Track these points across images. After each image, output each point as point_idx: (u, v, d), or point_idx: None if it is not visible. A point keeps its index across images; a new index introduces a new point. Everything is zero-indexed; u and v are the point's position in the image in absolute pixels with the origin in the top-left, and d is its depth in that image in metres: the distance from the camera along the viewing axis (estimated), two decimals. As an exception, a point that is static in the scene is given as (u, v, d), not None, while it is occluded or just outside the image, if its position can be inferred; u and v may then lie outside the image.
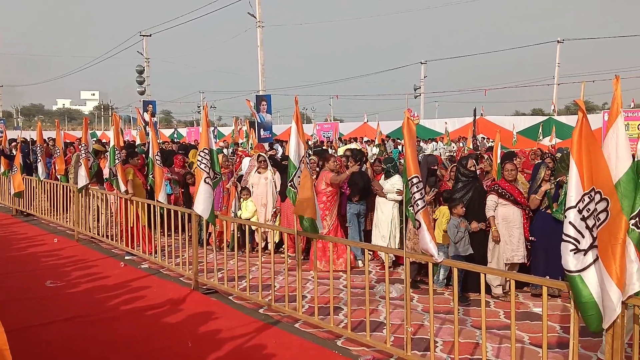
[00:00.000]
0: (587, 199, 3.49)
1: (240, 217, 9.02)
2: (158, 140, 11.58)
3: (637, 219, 3.36)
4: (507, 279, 6.53)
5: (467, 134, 26.55)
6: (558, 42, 34.84)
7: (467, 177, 7.16)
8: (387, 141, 24.83)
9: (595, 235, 3.50)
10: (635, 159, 3.51)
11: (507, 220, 6.91)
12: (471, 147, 20.39)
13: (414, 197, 4.67)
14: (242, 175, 10.16)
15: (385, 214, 8.11)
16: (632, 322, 3.68)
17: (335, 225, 8.33)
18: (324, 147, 20.52)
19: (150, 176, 9.12)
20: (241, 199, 9.37)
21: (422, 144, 25.94)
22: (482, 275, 4.52)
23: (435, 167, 7.54)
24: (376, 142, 23.25)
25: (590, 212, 3.49)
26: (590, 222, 3.50)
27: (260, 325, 5.97)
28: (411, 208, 4.70)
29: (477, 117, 30.31)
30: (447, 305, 6.58)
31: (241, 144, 19.06)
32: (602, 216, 3.44)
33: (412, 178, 4.69)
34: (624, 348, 3.60)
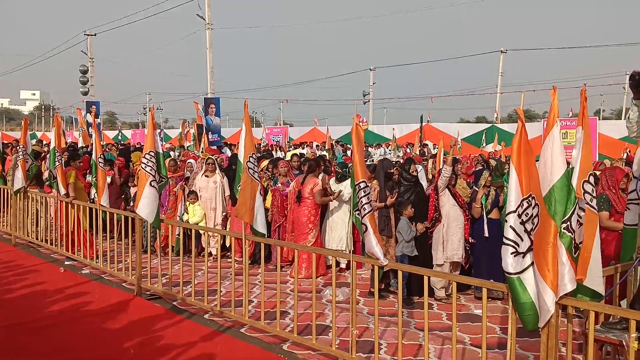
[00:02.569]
0: (525, 204, 3.63)
1: (187, 221, 8.89)
2: (102, 143, 11.28)
3: (568, 223, 3.53)
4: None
5: (414, 140, 27.03)
6: (501, 52, 36.00)
7: (409, 181, 7.31)
8: (336, 146, 25.01)
9: (532, 239, 3.65)
10: (570, 166, 3.69)
11: (450, 219, 7.10)
12: (418, 153, 20.80)
13: (361, 202, 4.74)
14: (187, 178, 10.02)
15: (340, 216, 8.17)
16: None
17: (317, 234, 8.36)
18: (272, 152, 20.50)
19: (93, 179, 8.87)
20: (187, 203, 9.23)
21: (370, 149, 26.26)
22: (425, 278, 4.61)
23: (392, 171, 7.68)
24: (326, 147, 23.38)
25: (528, 216, 3.64)
26: (529, 226, 3.64)
27: (205, 331, 5.90)
28: (357, 212, 4.76)
29: (423, 124, 30.99)
30: (392, 308, 6.68)
31: (188, 146, 18.79)
32: (536, 221, 3.60)
33: (360, 183, 4.75)
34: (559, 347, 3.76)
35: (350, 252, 5.17)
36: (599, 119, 26.12)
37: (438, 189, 7.13)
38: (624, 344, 3.47)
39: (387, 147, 27.96)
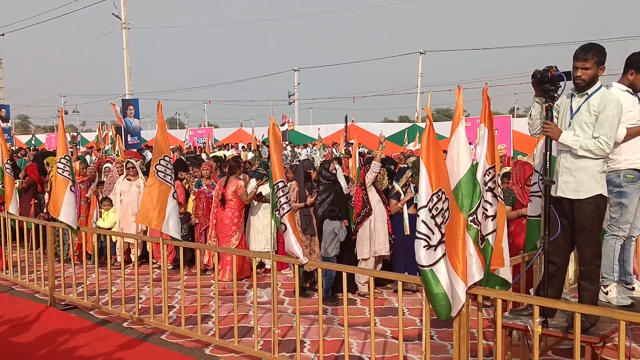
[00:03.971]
0: (435, 199, 3.77)
1: (100, 227, 8.57)
2: (12, 147, 10.65)
3: (475, 215, 3.70)
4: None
5: (339, 139, 27.37)
6: (420, 53, 37.11)
7: (329, 179, 7.39)
8: (262, 147, 24.91)
9: (443, 232, 3.79)
10: (474, 162, 3.86)
11: (376, 215, 7.24)
12: (343, 152, 21.06)
13: (280, 201, 4.75)
14: (102, 182, 9.65)
15: (267, 218, 8.12)
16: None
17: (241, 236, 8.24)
18: (196, 154, 20.14)
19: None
20: (102, 210, 8.89)
21: (296, 149, 26.35)
22: (344, 275, 4.69)
23: (311, 171, 7.73)
24: (252, 148, 23.23)
25: (438, 210, 3.78)
26: (439, 220, 3.78)
27: (123, 339, 5.71)
28: (277, 212, 4.77)
29: (348, 124, 31.43)
30: (316, 306, 6.72)
31: (106, 150, 18.11)
32: (447, 214, 3.74)
33: (278, 182, 4.76)
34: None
35: (272, 253, 5.15)
36: (513, 117, 27.38)
37: (366, 184, 7.24)
38: (530, 328, 3.66)
39: (313, 147, 28.17)
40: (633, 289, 4.39)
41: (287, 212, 4.74)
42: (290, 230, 4.73)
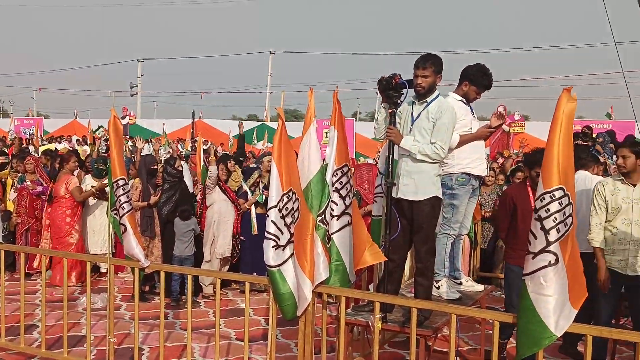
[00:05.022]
0: (285, 199, 3.76)
1: None
2: None
3: (323, 216, 3.76)
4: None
5: (185, 135, 26.57)
6: (270, 52, 37.42)
7: (174, 177, 7.10)
8: (99, 141, 23.28)
9: (292, 232, 3.79)
10: (324, 163, 3.92)
11: (221, 215, 7.08)
12: (189, 149, 20.45)
13: (120, 200, 4.42)
14: None
15: (105, 217, 7.53)
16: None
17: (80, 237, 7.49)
18: (23, 146, 18.20)
19: None
20: None
21: (138, 144, 25.05)
22: (189, 277, 4.50)
23: (155, 167, 7.33)
24: (88, 142, 21.60)
25: (288, 210, 3.77)
26: (289, 220, 3.78)
27: None
28: (115, 212, 4.43)
29: (195, 120, 30.63)
30: (157, 311, 6.40)
31: None
32: (296, 214, 3.75)
33: (118, 180, 4.43)
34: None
35: (109, 256, 4.77)
36: (356, 121, 28.74)
37: (206, 187, 7.07)
38: (370, 324, 3.80)
39: (158, 143, 26.99)
40: (461, 283, 4.77)
41: (127, 212, 4.43)
42: (131, 232, 4.43)
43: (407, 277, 5.33)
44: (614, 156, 9.71)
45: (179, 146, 25.11)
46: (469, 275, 5.89)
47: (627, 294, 4.56)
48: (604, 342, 4.45)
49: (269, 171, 4.71)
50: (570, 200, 2.98)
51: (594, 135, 11.32)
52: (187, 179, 7.45)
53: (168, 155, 12.09)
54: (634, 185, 4.35)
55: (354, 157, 18.37)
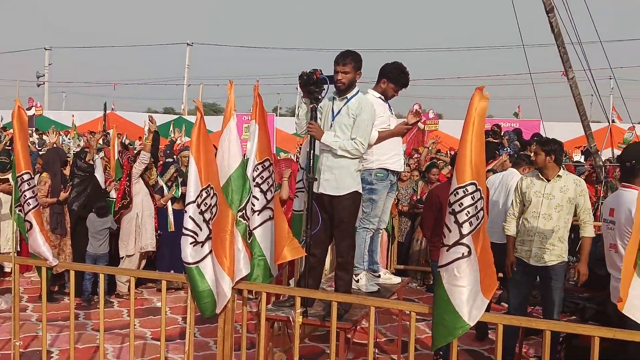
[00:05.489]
0: (204, 194, 3.68)
1: None
2: None
3: (244, 211, 3.71)
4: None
5: (96, 128, 25.43)
6: (188, 44, 36.51)
7: (84, 171, 6.78)
8: (2, 133, 21.85)
9: (211, 228, 3.72)
10: (245, 157, 3.87)
11: (144, 208, 6.85)
12: (102, 142, 19.56)
13: (25, 196, 4.15)
14: None
15: (7, 213, 7.04)
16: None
17: None
18: None
19: None
20: None
21: (45, 137, 23.69)
22: (101, 276, 4.30)
23: (67, 159, 6.96)
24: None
25: (207, 206, 3.69)
26: (207, 216, 3.70)
27: None
28: (19, 209, 4.16)
29: (107, 112, 29.36)
30: (66, 311, 6.08)
31: None
32: (215, 210, 3.68)
33: (23, 174, 4.16)
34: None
35: (14, 255, 4.48)
36: (277, 116, 28.67)
37: (132, 176, 6.79)
38: (291, 319, 3.80)
39: (67, 135, 25.70)
40: (379, 276, 4.88)
41: (33, 208, 4.18)
42: (37, 229, 4.17)
43: (327, 271, 5.39)
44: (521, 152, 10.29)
45: (86, 138, 23.99)
46: (387, 268, 6.04)
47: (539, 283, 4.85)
48: (514, 329, 4.70)
49: (187, 166, 4.60)
50: (482, 195, 3.11)
51: (502, 133, 11.92)
52: (99, 174, 7.14)
53: (78, 149, 11.53)
54: (548, 181, 4.62)
55: (274, 152, 18.34)
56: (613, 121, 20.65)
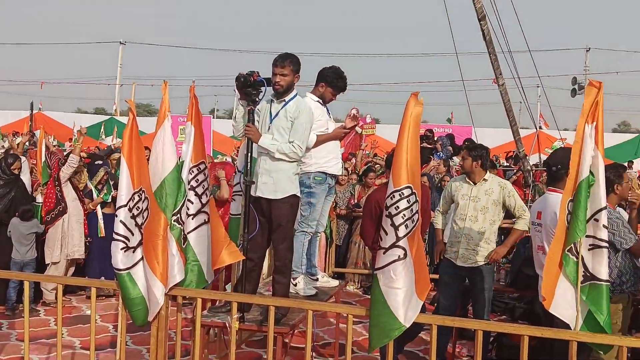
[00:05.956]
0: (137, 198, 3.58)
1: None
2: None
3: (179, 215, 3.62)
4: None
5: (22, 129, 24.27)
6: (121, 43, 35.49)
7: (9, 175, 6.43)
8: None
9: (143, 233, 3.60)
10: (180, 160, 3.77)
11: (72, 213, 6.57)
12: (28, 144, 18.68)
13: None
14: None
15: None
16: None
17: None
18: None
19: None
20: None
21: (-35, 137, 22.38)
22: (26, 283, 4.09)
23: None
24: None
25: (139, 210, 3.58)
26: (139, 220, 3.59)
27: None
28: None
29: (34, 112, 28.09)
30: (-14, 322, 5.77)
31: None
32: (146, 214, 3.57)
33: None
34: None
35: None
36: (214, 118, 28.25)
37: (60, 179, 6.49)
38: (227, 325, 3.73)
39: (-11, 136, 24.37)
40: (317, 279, 4.87)
41: None
42: None
43: (265, 275, 5.34)
44: (454, 157, 10.61)
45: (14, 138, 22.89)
46: (325, 272, 6.06)
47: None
48: (448, 330, 4.81)
49: (117, 168, 4.44)
50: (417, 199, 3.17)
51: (436, 138, 12.25)
52: (26, 177, 6.78)
53: (2, 150, 10.98)
54: (474, 184, 4.78)
55: (211, 154, 18.05)
56: (540, 128, 21.72)
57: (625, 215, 4.36)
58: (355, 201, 8.19)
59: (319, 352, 5.45)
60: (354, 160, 10.36)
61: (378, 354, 4.61)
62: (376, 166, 9.71)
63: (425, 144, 10.77)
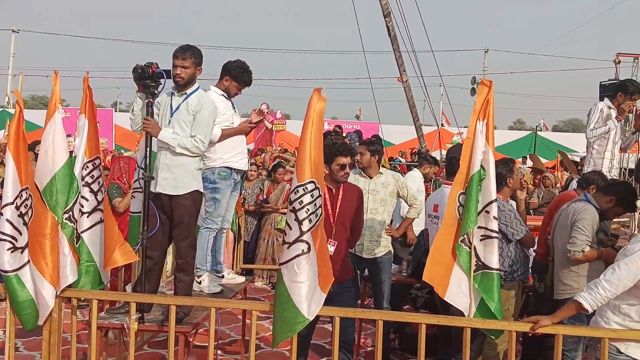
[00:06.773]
0: (24, 195, 3.37)
1: None
2: None
3: (70, 213, 3.42)
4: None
5: None
6: (13, 31, 33.27)
7: None
8: None
9: (30, 232, 3.39)
10: (72, 155, 3.57)
11: None
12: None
13: None
14: None
15: None
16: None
17: None
18: None
19: None
20: None
21: None
22: None
23: None
24: None
25: (27, 207, 3.36)
26: (27, 219, 3.37)
27: None
28: None
29: None
30: None
31: None
32: (31, 212, 3.36)
33: None
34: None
35: None
36: (116, 111, 27.08)
37: None
38: (126, 326, 3.59)
39: None
40: (223, 276, 4.80)
41: None
42: None
43: (169, 273, 5.19)
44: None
45: None
46: (232, 268, 5.98)
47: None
48: (351, 321, 4.90)
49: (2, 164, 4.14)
50: (320, 193, 3.19)
51: (345, 135, 12.45)
52: None
53: None
54: (371, 178, 4.93)
55: (113, 149, 17.30)
56: (442, 125, 22.72)
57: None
58: (264, 197, 8.16)
59: (225, 349, 5.38)
60: (263, 155, 10.32)
61: (283, 348, 4.61)
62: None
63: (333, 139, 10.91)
